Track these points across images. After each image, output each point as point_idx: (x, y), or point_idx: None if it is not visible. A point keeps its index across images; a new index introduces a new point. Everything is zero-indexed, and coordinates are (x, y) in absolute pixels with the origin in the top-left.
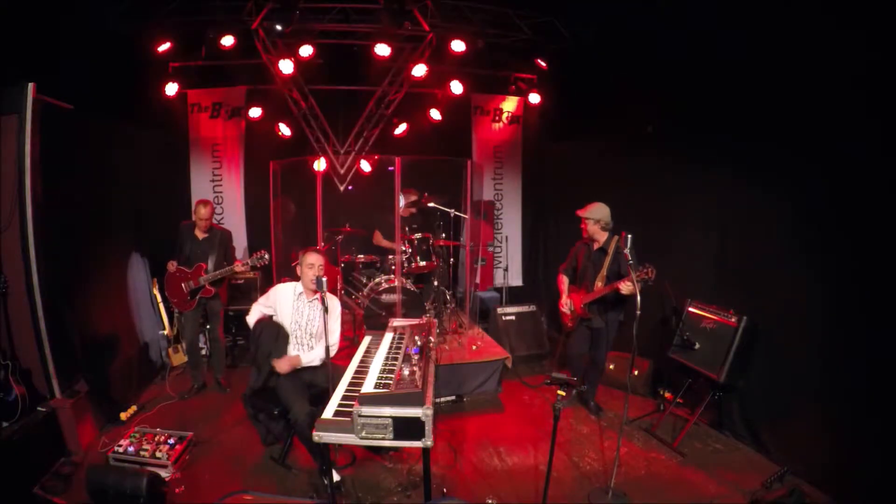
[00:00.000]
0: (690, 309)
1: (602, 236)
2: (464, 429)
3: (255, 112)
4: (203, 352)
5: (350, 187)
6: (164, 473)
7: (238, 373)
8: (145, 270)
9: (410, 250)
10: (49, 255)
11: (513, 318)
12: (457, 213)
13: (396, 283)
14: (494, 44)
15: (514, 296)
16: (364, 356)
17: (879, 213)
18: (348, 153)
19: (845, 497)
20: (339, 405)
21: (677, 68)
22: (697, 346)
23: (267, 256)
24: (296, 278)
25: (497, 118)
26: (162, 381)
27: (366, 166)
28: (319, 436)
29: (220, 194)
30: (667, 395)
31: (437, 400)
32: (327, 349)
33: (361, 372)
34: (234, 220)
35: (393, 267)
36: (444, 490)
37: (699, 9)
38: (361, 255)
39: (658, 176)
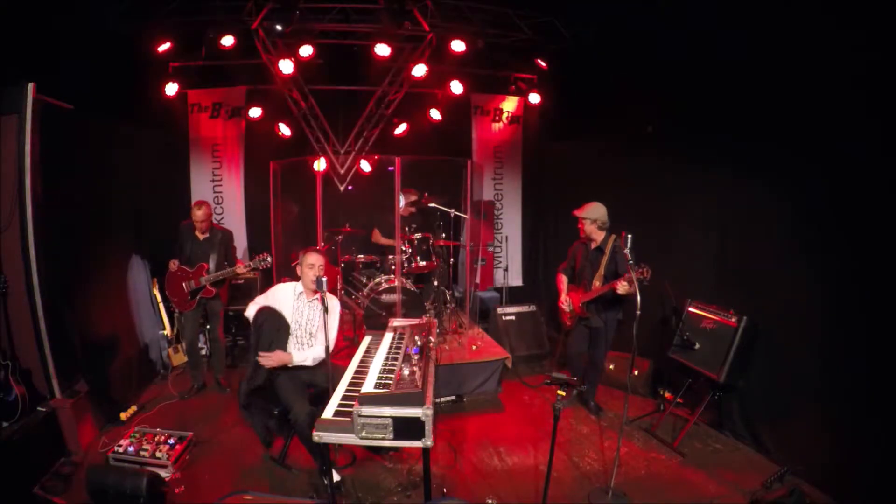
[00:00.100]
0: (690, 309)
1: (599, 236)
2: (464, 429)
3: (255, 112)
4: (203, 352)
5: (350, 187)
6: (164, 473)
7: (238, 373)
8: (145, 270)
9: (410, 250)
10: (49, 255)
11: (513, 318)
12: (457, 213)
13: (396, 283)
14: (494, 44)
15: (513, 296)
16: (364, 356)
17: (879, 213)
18: (348, 153)
19: (845, 497)
20: (339, 405)
21: (677, 68)
22: (697, 346)
23: (269, 259)
24: (296, 278)
25: (497, 118)
26: (162, 381)
27: (366, 166)
28: (319, 436)
29: (220, 194)
30: (667, 395)
31: (437, 400)
32: (327, 349)
33: (361, 372)
34: (234, 220)
35: (393, 267)
36: (444, 490)
37: (699, 9)
38: (361, 255)
39: (658, 176)
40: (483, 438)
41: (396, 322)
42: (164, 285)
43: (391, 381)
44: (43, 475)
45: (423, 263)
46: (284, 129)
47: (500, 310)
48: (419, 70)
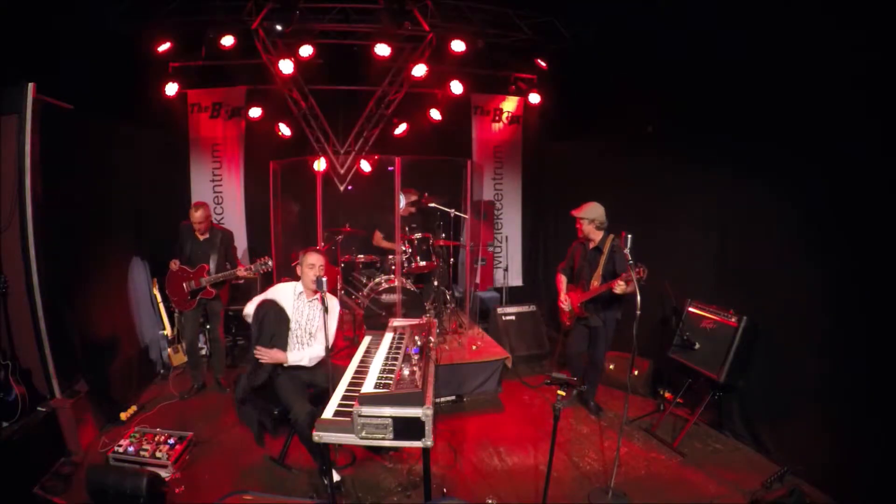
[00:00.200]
0: (690, 309)
1: (597, 236)
2: (464, 429)
3: (255, 112)
4: (203, 352)
5: (350, 187)
6: (164, 473)
7: (238, 373)
8: (145, 270)
9: (410, 250)
10: (49, 255)
11: (513, 318)
12: (457, 213)
13: (396, 283)
14: (494, 44)
15: (513, 296)
16: (364, 356)
17: (879, 213)
18: (348, 153)
19: (845, 497)
20: (340, 405)
21: (677, 68)
22: (697, 346)
23: (270, 263)
24: (296, 278)
25: (497, 118)
26: (162, 381)
27: (366, 166)
28: (319, 436)
29: (220, 194)
30: (667, 395)
31: (437, 400)
32: (328, 349)
33: (361, 372)
34: (234, 220)
35: (393, 267)
36: (444, 490)
37: (699, 9)
38: (361, 255)
39: (658, 176)
40: (483, 438)
41: (396, 322)
42: (165, 285)
43: (391, 381)
44: (43, 475)
45: (423, 263)
46: (284, 129)
47: (500, 310)
48: (419, 70)
